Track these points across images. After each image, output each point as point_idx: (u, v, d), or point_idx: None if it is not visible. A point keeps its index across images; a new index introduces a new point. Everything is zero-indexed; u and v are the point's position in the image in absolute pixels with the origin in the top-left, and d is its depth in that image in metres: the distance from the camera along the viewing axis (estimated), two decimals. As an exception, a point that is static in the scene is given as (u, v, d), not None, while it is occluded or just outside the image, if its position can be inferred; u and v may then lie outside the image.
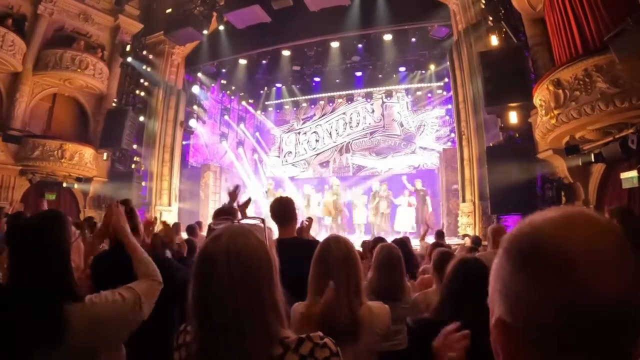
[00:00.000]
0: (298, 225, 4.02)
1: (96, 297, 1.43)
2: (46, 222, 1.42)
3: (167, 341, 1.54)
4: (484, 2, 9.30)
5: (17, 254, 1.37)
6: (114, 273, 1.73)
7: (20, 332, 1.21)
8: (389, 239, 5.02)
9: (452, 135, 14.45)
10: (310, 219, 4.09)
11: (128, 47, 13.01)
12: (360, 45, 14.65)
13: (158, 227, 5.42)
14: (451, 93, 11.85)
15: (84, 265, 1.59)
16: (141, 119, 13.23)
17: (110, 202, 2.02)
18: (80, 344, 1.31)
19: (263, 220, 1.20)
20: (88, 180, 12.20)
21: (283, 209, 2.87)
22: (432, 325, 2.18)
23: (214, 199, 15.07)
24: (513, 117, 8.53)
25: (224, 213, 2.81)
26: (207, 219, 13.73)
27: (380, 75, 16.51)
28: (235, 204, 3.20)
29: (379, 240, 4.42)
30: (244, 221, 1.19)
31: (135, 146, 12.96)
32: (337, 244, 1.92)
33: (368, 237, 9.75)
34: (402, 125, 17.55)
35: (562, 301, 0.48)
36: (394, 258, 2.81)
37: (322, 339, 1.04)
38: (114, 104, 12.99)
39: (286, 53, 14.96)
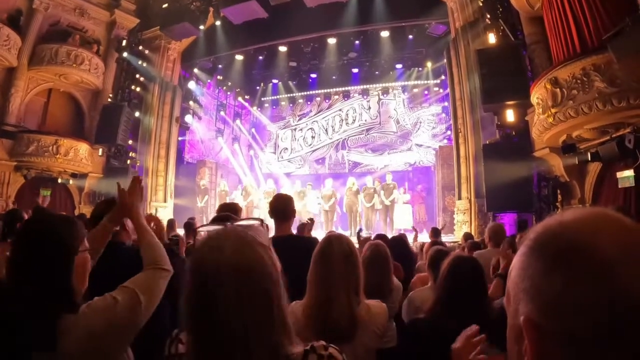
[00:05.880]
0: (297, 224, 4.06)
1: (88, 307, 1.30)
2: (57, 225, 1.34)
3: (157, 341, 1.44)
4: (481, -1, 9.30)
5: (20, 252, 1.30)
6: (115, 269, 1.65)
7: (19, 334, 1.15)
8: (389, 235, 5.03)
9: (449, 132, 14.45)
10: (312, 220, 4.14)
11: (124, 42, 12.86)
12: (357, 42, 14.63)
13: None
14: (448, 90, 11.85)
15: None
16: (137, 114, 13.14)
17: (134, 177, 1.88)
18: (78, 356, 1.22)
19: (262, 221, 1.12)
20: (83, 176, 12.09)
21: (283, 206, 2.90)
22: (427, 325, 2.19)
23: (210, 195, 15.02)
24: (510, 115, 8.53)
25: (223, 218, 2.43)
26: (202, 214, 13.73)
27: (377, 72, 16.50)
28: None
29: (378, 237, 4.41)
30: (241, 222, 1.09)
31: (130, 142, 12.87)
32: (339, 241, 1.89)
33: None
34: (398, 122, 17.57)
35: (602, 303, 0.48)
36: (381, 256, 2.82)
37: (327, 349, 0.98)
38: (109, 100, 12.86)
39: (283, 49, 14.89)
